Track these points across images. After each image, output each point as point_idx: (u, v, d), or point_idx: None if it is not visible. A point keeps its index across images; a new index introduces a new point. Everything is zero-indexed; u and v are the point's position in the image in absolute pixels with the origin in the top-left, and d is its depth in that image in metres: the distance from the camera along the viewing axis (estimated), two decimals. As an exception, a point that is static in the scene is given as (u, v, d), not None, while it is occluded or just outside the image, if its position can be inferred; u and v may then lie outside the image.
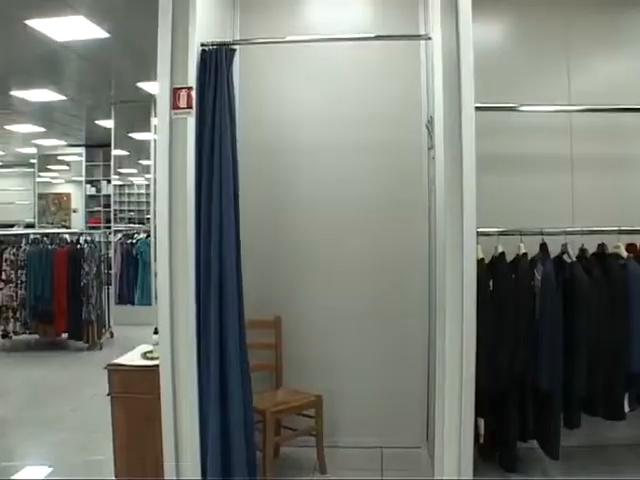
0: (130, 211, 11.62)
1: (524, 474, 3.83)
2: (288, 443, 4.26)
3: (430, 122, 3.88)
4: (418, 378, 4.38)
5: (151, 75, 4.14)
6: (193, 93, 3.20)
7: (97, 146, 12.85)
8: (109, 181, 11.40)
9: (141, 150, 10.15)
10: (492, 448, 3.83)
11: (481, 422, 3.72)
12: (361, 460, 4.22)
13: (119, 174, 10.47)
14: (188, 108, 3.18)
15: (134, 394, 3.42)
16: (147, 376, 3.35)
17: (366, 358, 4.43)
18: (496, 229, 3.59)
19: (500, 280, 3.65)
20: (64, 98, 8.38)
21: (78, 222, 13.57)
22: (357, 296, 4.42)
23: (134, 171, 11.51)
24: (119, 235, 9.36)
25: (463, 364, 3.09)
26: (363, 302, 4.41)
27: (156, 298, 3.38)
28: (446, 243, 3.16)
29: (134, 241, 9.12)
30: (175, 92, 3.19)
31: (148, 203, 10.68)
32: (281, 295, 4.41)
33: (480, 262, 3.48)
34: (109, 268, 9.08)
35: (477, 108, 3.09)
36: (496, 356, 3.60)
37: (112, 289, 9.02)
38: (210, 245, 3.27)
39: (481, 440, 3.76)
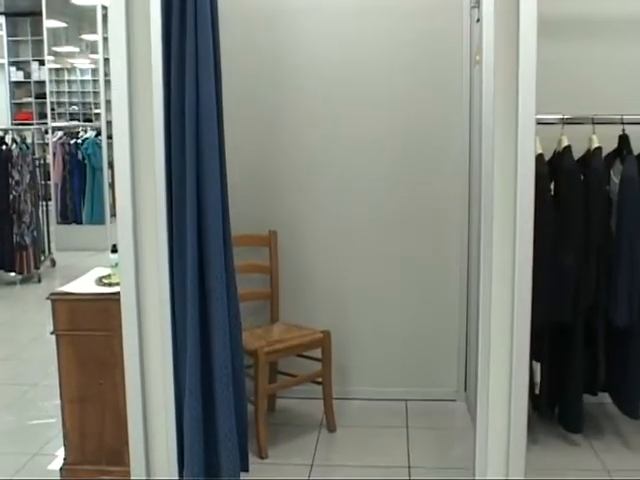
0: (72, 104, 11.51)
1: (592, 436, 3.91)
2: (287, 393, 4.36)
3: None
4: (454, 312, 4.47)
5: None
6: None
7: (22, 15, 12.55)
8: (42, 63, 11.24)
9: (83, 20, 9.95)
10: (551, 401, 3.91)
11: (537, 368, 3.78)
12: (379, 415, 4.33)
13: (55, 54, 10.32)
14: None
15: (87, 331, 3.44)
16: (104, 307, 3.37)
17: (386, 286, 4.51)
18: (560, 116, 3.57)
19: (564, 183, 3.64)
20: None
21: (2, 117, 13.46)
22: (376, 208, 4.47)
23: (75, 50, 11.30)
24: (59, 134, 9.30)
25: (515, 294, 3.08)
26: (383, 215, 4.47)
27: (112, 215, 3.34)
28: (494, 134, 3.11)
29: (79, 141, 9.06)
30: None
31: (96, 93, 10.56)
32: (277, 208, 4.48)
33: (539, 159, 3.47)
34: (47, 177, 9.06)
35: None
36: (558, 283, 3.63)
37: (52, 204, 9.02)
38: (185, 142, 3.23)
39: (536, 390, 3.84)
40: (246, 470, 3.56)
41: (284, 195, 4.49)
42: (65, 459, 3.56)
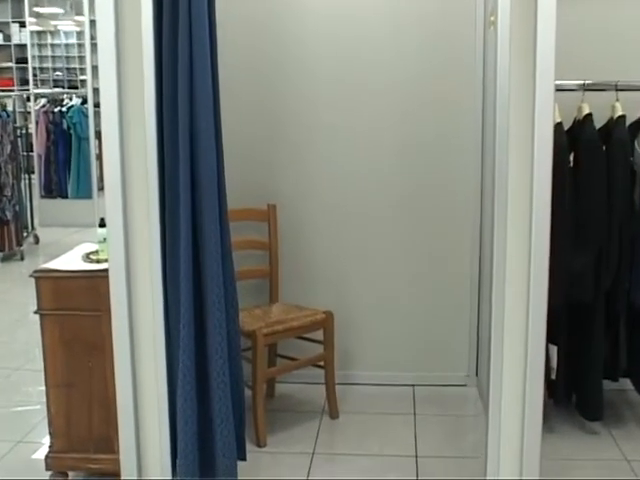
0: (56, 69, 11.47)
1: (611, 425, 3.92)
2: (287, 378, 4.39)
3: None
4: (465, 290, 4.49)
5: None
6: None
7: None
8: (22, 25, 11.17)
9: (69, -22, 9.92)
10: (568, 387, 3.91)
11: (554, 352, 3.78)
12: (385, 401, 4.35)
13: (37, 15, 10.26)
14: None
15: (73, 311, 3.42)
16: (91, 285, 3.35)
17: (393, 264, 4.53)
18: (581, 81, 3.55)
19: (585, 153, 3.62)
20: None
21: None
22: (383, 181, 4.47)
23: (59, 11, 11.25)
24: (42, 102, 9.26)
25: (531, 272, 3.07)
26: (391, 189, 4.47)
27: (100, 189, 3.32)
28: (509, 101, 3.09)
29: (64, 110, 9.02)
30: None
31: (82, 58, 10.52)
32: (278, 181, 4.48)
33: (558, 128, 3.44)
34: (30, 148, 9.04)
35: None
36: (577, 261, 3.62)
37: (35, 177, 9.00)
38: (177, 110, 3.21)
39: (553, 376, 3.84)
40: (243, 459, 3.54)
41: (285, 167, 4.49)
42: (50, 447, 3.55)
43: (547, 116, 3.03)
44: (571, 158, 3.63)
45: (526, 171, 3.04)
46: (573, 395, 3.96)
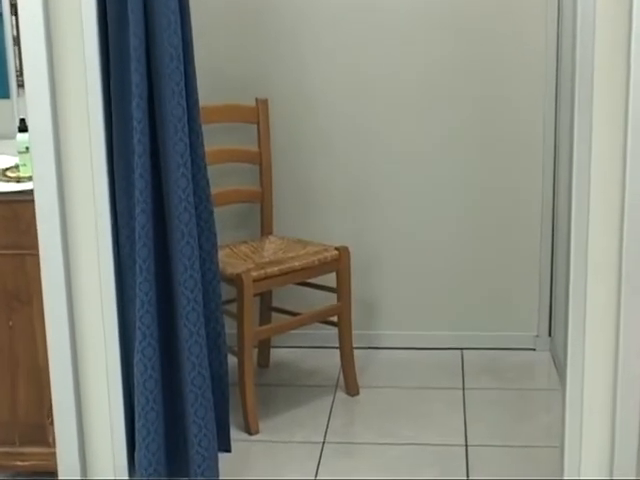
0: None
1: None
2: (285, 340, 4.41)
3: None
4: (534, 222, 4.48)
5: None
6: None
7: None
8: None
9: None
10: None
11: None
12: (422, 372, 4.37)
13: None
14: None
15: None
16: (11, 213, 3.30)
17: (434, 185, 4.51)
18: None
19: None
20: None
21: None
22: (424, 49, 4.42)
23: None
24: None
25: (625, 200, 3.05)
26: (431, 59, 4.41)
27: (19, 85, 3.48)
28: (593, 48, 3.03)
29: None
30: None
31: None
32: (271, 66, 4.45)
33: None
34: None
35: None
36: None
37: None
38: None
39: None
40: (227, 450, 3.55)
41: (277, 47, 4.45)
42: (-40, 439, 3.57)
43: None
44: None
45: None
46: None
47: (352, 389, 4.14)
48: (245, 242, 4.24)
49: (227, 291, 3.75)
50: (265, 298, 4.31)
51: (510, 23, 4.36)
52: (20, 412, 3.45)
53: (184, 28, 3.30)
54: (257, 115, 4.30)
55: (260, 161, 4.32)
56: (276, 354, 4.43)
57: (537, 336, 4.53)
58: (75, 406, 3.23)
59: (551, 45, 4.33)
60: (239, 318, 3.84)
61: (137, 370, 3.24)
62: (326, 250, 4.07)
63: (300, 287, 4.15)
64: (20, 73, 3.64)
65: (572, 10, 3.20)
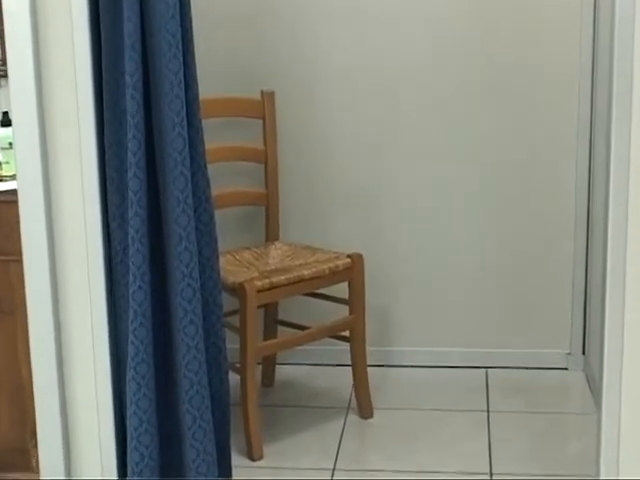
0: None
1: None
2: (292, 356, 4.43)
3: None
4: (567, 232, 4.48)
5: None
6: None
7: None
8: None
9: None
10: None
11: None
12: (442, 392, 4.36)
13: None
14: None
15: (-37, 253, 3.45)
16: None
17: (457, 190, 4.51)
18: None
19: None
20: None
21: None
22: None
23: None
24: None
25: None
26: (457, 53, 4.43)
27: (2, 76, 3.51)
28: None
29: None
30: None
31: None
32: (277, 58, 4.46)
33: None
34: None
35: None
36: None
37: None
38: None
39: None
40: (228, 477, 3.56)
41: (286, 34, 4.45)
42: None
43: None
44: None
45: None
46: None
47: (365, 411, 4.13)
48: (248, 248, 4.24)
49: (229, 302, 3.73)
50: (270, 310, 4.30)
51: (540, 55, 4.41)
52: (0, 435, 3.46)
53: (183, 14, 3.30)
54: (263, 109, 4.30)
55: (265, 160, 4.32)
56: (282, 372, 4.44)
57: (569, 354, 4.53)
58: (61, 428, 3.24)
59: (586, 47, 4.36)
60: (241, 332, 3.82)
61: (129, 388, 3.24)
62: (338, 258, 4.06)
63: (309, 298, 4.13)
64: (3, 62, 3.64)
65: (609, 36, 3.17)
